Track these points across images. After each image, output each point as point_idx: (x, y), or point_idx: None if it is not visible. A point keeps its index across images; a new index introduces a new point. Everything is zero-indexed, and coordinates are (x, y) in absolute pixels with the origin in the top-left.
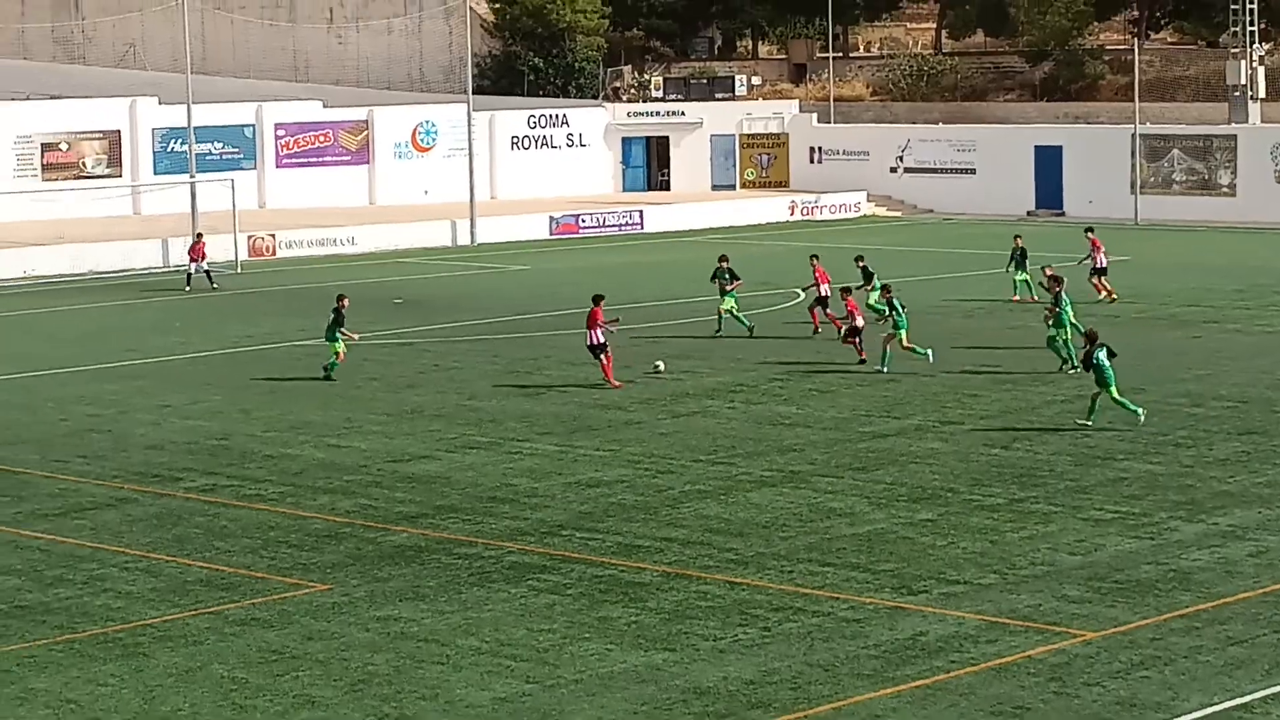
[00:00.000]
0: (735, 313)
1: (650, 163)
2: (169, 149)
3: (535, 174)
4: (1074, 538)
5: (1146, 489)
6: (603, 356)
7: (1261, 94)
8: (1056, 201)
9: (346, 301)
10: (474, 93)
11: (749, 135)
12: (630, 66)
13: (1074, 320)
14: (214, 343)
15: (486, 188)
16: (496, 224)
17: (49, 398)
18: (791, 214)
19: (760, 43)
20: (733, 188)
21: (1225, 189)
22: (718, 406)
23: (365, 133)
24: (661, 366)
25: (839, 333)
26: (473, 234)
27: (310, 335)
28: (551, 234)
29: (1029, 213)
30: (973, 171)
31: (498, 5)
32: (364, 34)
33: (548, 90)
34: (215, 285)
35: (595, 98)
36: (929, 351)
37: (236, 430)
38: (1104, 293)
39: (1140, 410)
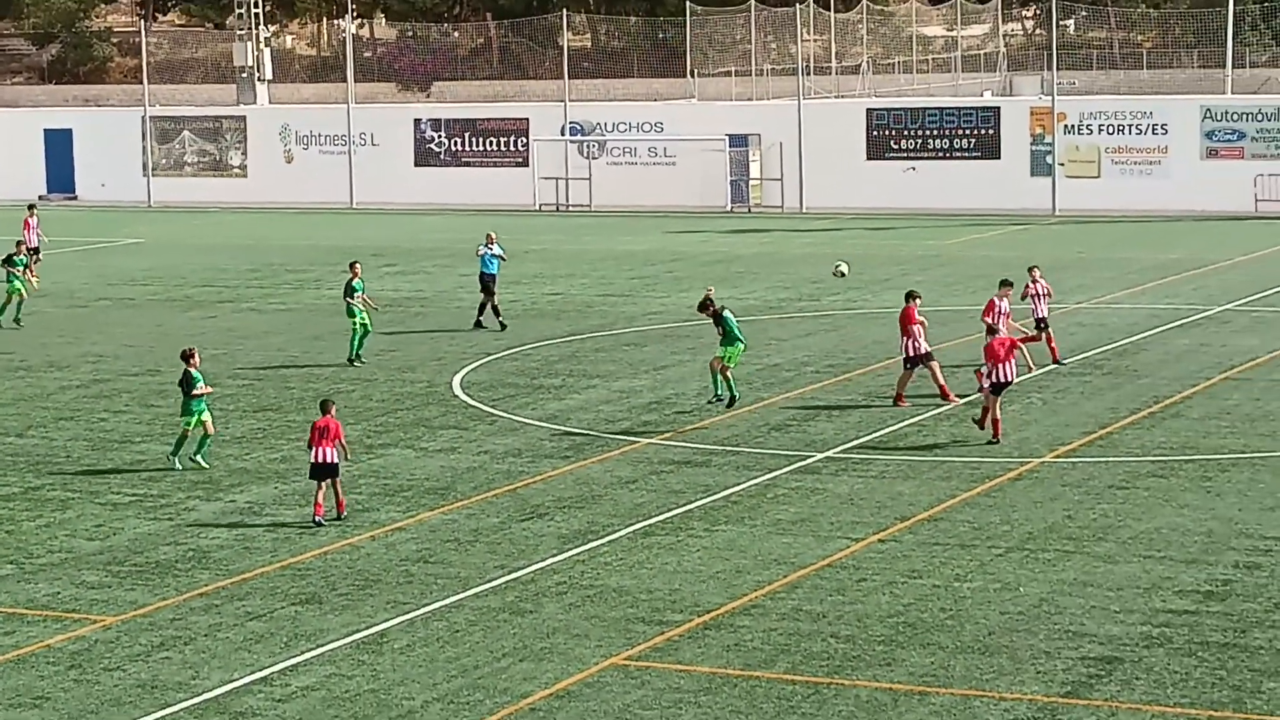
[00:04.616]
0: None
1: None
2: None
3: None
4: (92, 523)
5: (163, 471)
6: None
7: (268, 75)
8: (69, 185)
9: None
10: None
11: None
12: None
13: None
14: None
15: None
16: None
17: None
18: None
19: None
20: None
21: (237, 170)
22: None
23: None
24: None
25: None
26: None
27: None
28: None
29: (41, 197)
30: None
31: None
32: None
33: None
34: None
35: None
36: None
37: None
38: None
39: None
